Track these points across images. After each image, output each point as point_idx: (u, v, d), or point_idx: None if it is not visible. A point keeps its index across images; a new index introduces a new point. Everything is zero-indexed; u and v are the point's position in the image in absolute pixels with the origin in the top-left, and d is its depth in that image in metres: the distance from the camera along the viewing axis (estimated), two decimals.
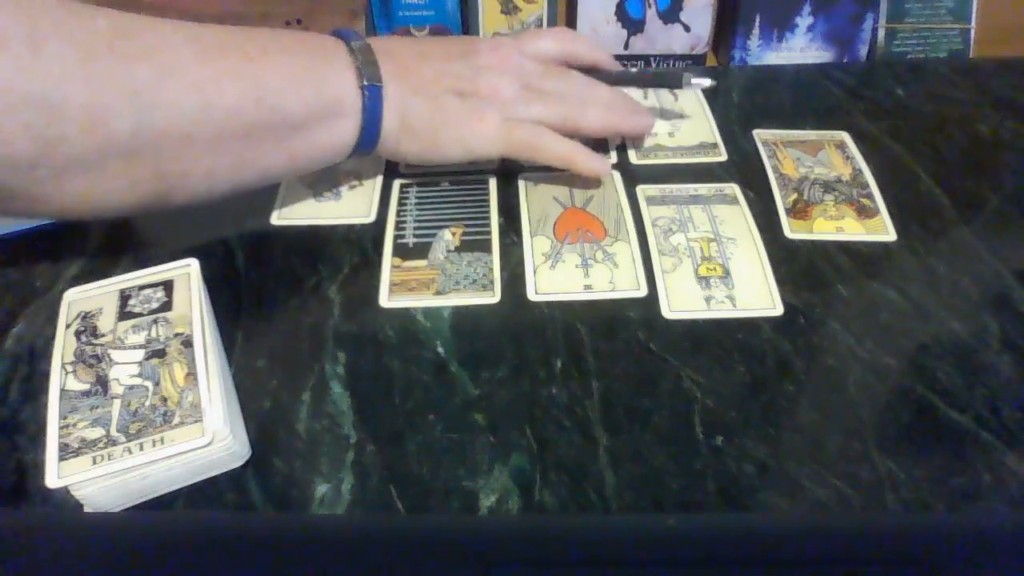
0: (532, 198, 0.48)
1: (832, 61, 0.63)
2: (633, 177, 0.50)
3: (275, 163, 0.41)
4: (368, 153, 0.44)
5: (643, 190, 0.49)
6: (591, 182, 0.49)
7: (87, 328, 0.36)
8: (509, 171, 0.50)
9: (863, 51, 0.63)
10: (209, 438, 0.32)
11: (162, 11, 0.55)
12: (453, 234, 0.46)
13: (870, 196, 0.48)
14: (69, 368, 0.34)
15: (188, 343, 0.35)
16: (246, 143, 0.38)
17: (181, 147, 0.36)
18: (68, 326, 0.36)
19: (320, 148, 0.42)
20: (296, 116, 0.39)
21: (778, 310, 0.41)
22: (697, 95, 0.57)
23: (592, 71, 0.50)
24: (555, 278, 0.43)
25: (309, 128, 0.40)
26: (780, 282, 0.43)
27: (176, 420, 0.32)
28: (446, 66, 0.44)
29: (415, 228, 0.46)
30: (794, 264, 0.44)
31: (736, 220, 0.47)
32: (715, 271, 0.43)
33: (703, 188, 0.49)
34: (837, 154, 0.51)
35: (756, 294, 0.42)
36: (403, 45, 0.45)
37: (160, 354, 0.35)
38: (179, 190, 0.38)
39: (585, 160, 0.46)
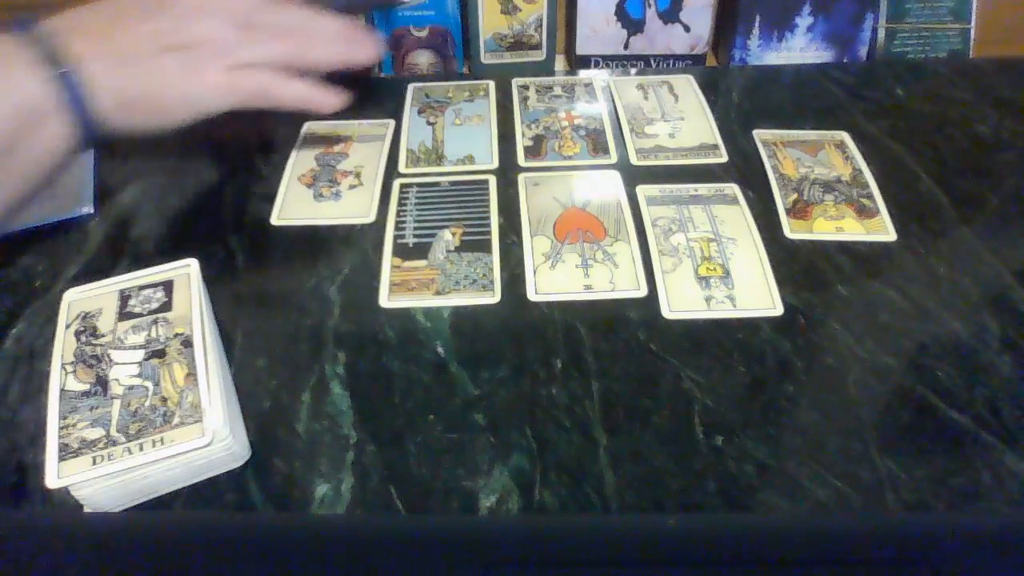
0: (532, 198, 0.48)
1: (832, 61, 0.63)
2: (633, 177, 0.50)
3: None
4: (98, 139, 0.40)
5: (643, 190, 0.49)
6: (589, 184, 0.49)
7: (87, 328, 0.36)
8: (509, 171, 0.50)
9: (863, 51, 0.63)
10: (209, 438, 0.32)
11: None
12: (453, 234, 0.46)
13: (870, 196, 0.48)
14: (69, 368, 0.34)
15: (188, 343, 0.35)
16: None
17: None
18: (68, 326, 0.36)
19: (40, 158, 0.37)
20: None
21: (778, 310, 0.41)
22: (697, 96, 0.57)
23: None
24: (555, 278, 0.43)
25: (16, 146, 0.36)
26: (780, 282, 0.43)
27: (176, 420, 0.32)
28: (146, 23, 0.40)
29: (415, 228, 0.46)
30: (794, 264, 0.44)
31: (736, 220, 0.47)
32: (715, 271, 0.43)
33: (703, 188, 0.49)
34: (837, 154, 0.51)
35: (756, 294, 0.42)
36: (93, 13, 0.40)
37: (160, 354, 0.35)
38: None
39: (322, 99, 0.44)
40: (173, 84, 0.40)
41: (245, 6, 0.42)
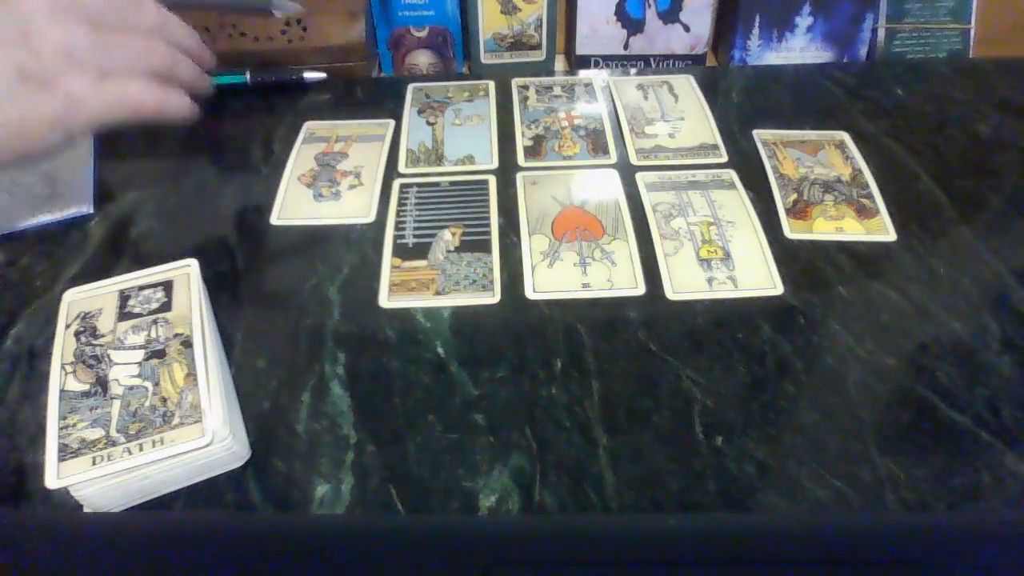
0: (530, 197, 0.48)
1: (832, 61, 0.63)
2: (633, 174, 0.50)
3: None
4: None
5: (642, 177, 0.49)
6: (588, 183, 0.49)
7: (87, 328, 0.36)
8: (509, 171, 0.50)
9: (863, 51, 0.63)
10: (209, 438, 0.32)
11: None
12: (453, 234, 0.46)
13: (870, 196, 0.48)
14: (69, 368, 0.34)
15: (188, 343, 0.35)
16: None
17: None
18: (68, 326, 0.36)
19: None
20: None
21: (778, 289, 0.42)
22: (697, 96, 0.57)
23: None
24: (553, 277, 0.43)
25: None
26: (780, 280, 0.43)
27: (176, 420, 0.32)
28: None
29: (415, 228, 0.46)
30: (794, 264, 0.44)
31: (734, 204, 0.47)
32: (716, 253, 0.44)
33: (700, 174, 0.49)
34: (837, 154, 0.51)
35: (756, 274, 0.43)
36: None
37: (160, 354, 0.35)
38: None
39: (179, 102, 0.38)
40: (30, 110, 0.34)
41: (97, 1, 0.36)
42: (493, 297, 0.42)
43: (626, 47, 0.63)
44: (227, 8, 0.44)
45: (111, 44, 0.36)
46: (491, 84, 0.58)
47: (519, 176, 0.50)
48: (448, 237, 0.45)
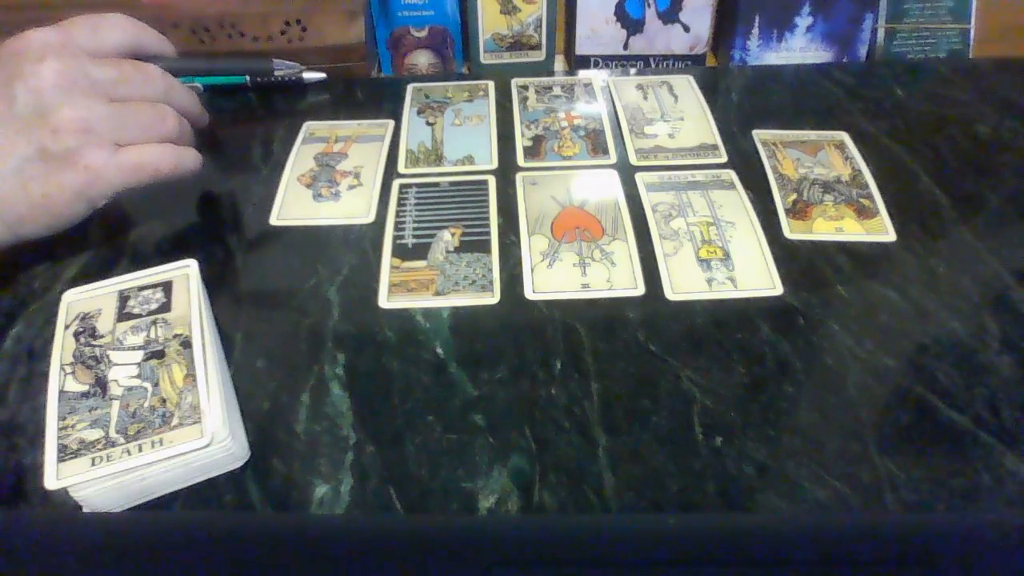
0: (530, 197, 0.48)
1: (832, 61, 0.63)
2: (632, 175, 0.50)
3: None
4: None
5: (642, 177, 0.49)
6: (587, 183, 0.49)
7: (86, 329, 0.36)
8: (508, 172, 0.50)
9: (863, 51, 0.63)
10: (208, 439, 0.32)
11: (160, 12, 0.55)
12: (452, 235, 0.46)
13: (869, 196, 0.48)
14: (68, 369, 0.34)
15: (187, 344, 0.35)
16: None
17: None
18: (67, 327, 0.36)
19: None
20: None
21: (778, 290, 0.42)
22: (697, 96, 0.57)
23: (154, 60, 0.43)
24: (552, 277, 0.43)
25: None
26: (779, 280, 0.43)
27: (175, 421, 0.32)
28: (8, 123, 0.35)
29: (414, 229, 0.46)
30: (794, 264, 0.44)
31: (733, 204, 0.47)
32: (715, 253, 0.44)
33: (700, 174, 0.49)
34: (837, 154, 0.51)
35: (756, 275, 0.43)
36: None
37: (159, 355, 0.35)
38: None
39: (191, 159, 0.42)
40: (58, 186, 0.37)
41: (108, 77, 0.38)
42: (492, 297, 0.42)
43: (626, 47, 0.63)
44: (228, 71, 0.49)
45: (125, 116, 0.38)
46: (491, 84, 0.58)
47: (518, 176, 0.50)
48: (447, 237, 0.45)
